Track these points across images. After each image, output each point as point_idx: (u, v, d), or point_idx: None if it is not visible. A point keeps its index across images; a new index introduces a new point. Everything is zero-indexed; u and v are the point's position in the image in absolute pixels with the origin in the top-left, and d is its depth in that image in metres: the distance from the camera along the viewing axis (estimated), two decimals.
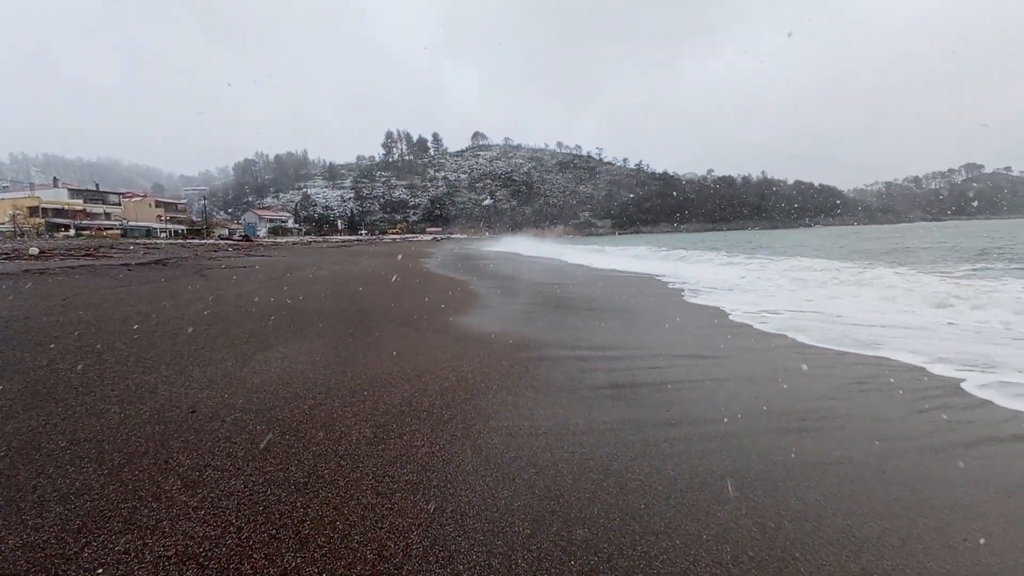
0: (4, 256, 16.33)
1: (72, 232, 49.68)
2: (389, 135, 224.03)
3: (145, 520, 2.07)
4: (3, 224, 44.64)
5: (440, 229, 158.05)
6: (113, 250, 23.02)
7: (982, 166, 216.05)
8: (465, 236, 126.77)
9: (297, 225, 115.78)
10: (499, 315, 7.22)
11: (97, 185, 74.73)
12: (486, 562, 1.85)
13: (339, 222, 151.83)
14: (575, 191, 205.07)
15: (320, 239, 78.55)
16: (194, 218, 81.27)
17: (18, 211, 47.63)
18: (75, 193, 65.92)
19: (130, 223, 63.51)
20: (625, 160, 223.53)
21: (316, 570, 1.78)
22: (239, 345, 4.96)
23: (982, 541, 1.97)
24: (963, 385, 3.88)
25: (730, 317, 7.12)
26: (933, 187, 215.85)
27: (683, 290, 10.53)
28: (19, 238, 36.41)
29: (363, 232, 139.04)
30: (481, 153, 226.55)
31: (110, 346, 4.81)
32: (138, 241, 39.00)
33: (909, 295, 8.45)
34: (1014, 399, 3.54)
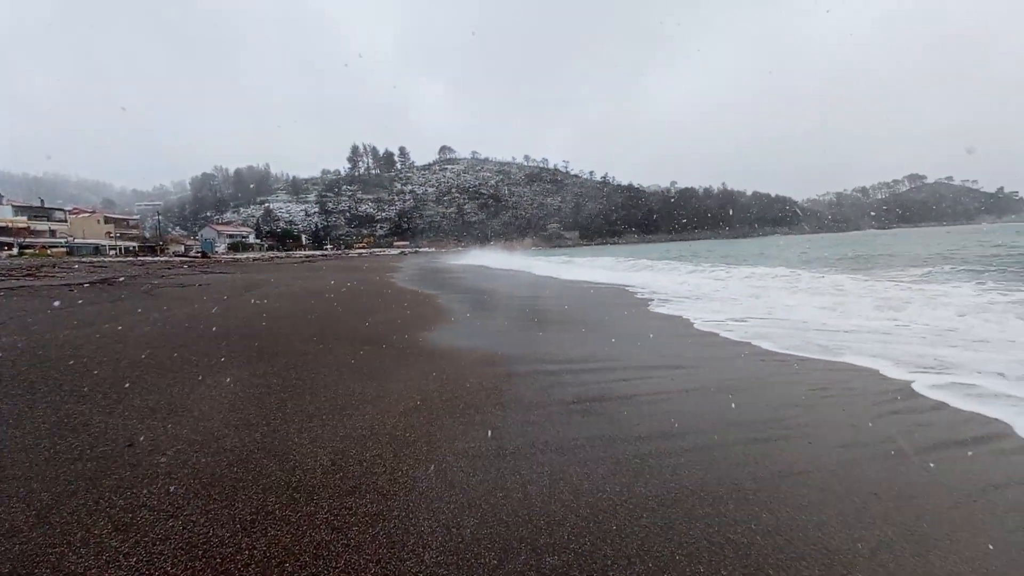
0: None
1: (15, 251, 46.77)
2: (355, 149, 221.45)
3: (72, 567, 1.87)
4: None
5: (408, 243, 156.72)
6: (56, 269, 21.71)
7: (924, 176, 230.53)
8: (433, 249, 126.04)
9: (259, 240, 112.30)
10: (466, 330, 7.09)
11: (42, 201, 70.60)
12: None
13: (303, 237, 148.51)
14: (543, 203, 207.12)
15: (283, 255, 76.49)
16: (147, 234, 78.00)
17: None
18: (20, 210, 62.13)
19: (77, 240, 60.33)
20: (591, 173, 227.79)
21: None
22: (187, 369, 4.66)
23: (950, 547, 1.97)
24: (919, 388, 3.98)
25: (697, 326, 7.20)
26: (880, 197, 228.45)
27: (651, 300, 10.65)
28: None
29: (328, 247, 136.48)
30: (448, 166, 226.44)
31: (44, 374, 4.43)
32: (84, 259, 36.97)
33: (865, 300, 8.76)
34: (967, 400, 3.65)
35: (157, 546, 2.01)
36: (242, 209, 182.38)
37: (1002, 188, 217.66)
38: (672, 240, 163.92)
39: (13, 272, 18.84)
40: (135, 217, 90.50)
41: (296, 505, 2.29)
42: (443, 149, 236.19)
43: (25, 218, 60.71)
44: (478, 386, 4.17)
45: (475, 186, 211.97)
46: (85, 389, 4.03)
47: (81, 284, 14.23)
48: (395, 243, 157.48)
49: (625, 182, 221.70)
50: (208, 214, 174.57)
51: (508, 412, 3.54)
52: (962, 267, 15.54)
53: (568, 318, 8.13)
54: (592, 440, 3.04)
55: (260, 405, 3.65)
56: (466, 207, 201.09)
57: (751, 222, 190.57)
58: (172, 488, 2.46)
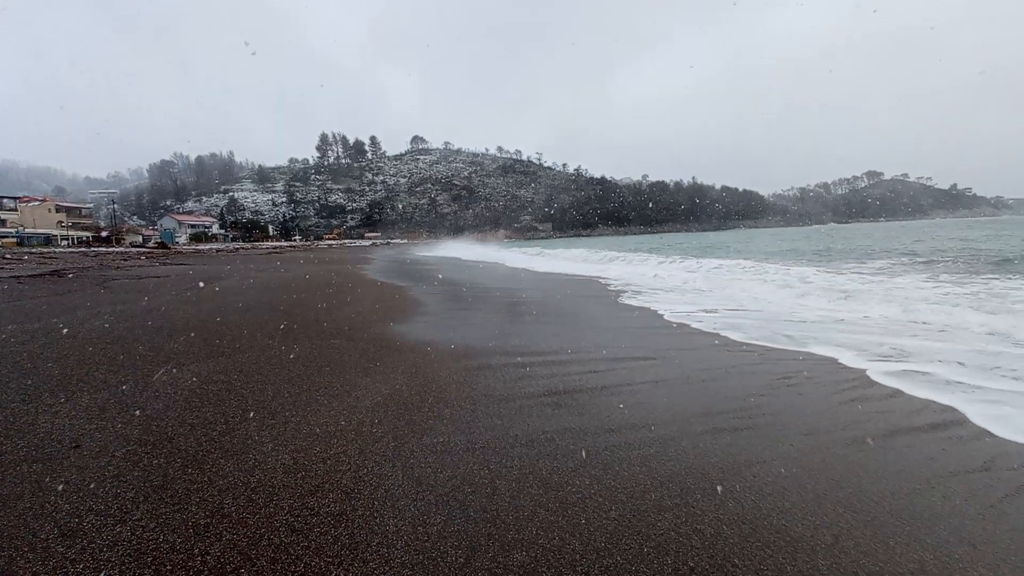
0: None
1: None
2: (324, 137, 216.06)
3: (19, 573, 1.77)
4: None
5: (379, 234, 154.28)
6: (3, 260, 20.47)
7: (882, 173, 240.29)
8: (405, 241, 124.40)
9: (223, 231, 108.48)
10: (437, 323, 6.99)
11: None
12: None
13: (271, 228, 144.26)
14: (516, 195, 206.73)
15: (248, 246, 74.08)
16: (101, 224, 74.34)
17: None
18: None
19: (27, 230, 57.16)
20: (564, 165, 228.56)
21: None
22: (141, 366, 4.43)
23: (910, 534, 2.02)
24: (877, 376, 4.12)
25: (668, 317, 7.29)
26: (840, 192, 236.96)
27: (624, 292, 10.74)
28: None
29: (297, 238, 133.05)
30: (421, 157, 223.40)
31: None
32: (34, 250, 35.01)
33: (828, 292, 9.05)
34: (922, 387, 3.79)
35: (104, 552, 1.90)
36: (205, 198, 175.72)
37: (955, 185, 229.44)
38: (644, 232, 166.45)
39: None
40: (88, 206, 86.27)
41: (254, 507, 2.19)
42: (415, 139, 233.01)
43: None
44: (448, 380, 4.10)
45: (448, 177, 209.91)
46: (31, 388, 3.79)
47: (30, 276, 13.45)
48: (366, 234, 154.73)
49: (598, 175, 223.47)
50: (168, 203, 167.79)
51: (478, 406, 3.49)
52: (919, 260, 16.28)
53: (540, 310, 8.12)
54: (562, 433, 3.02)
55: (219, 403, 3.50)
56: (439, 198, 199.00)
57: (720, 216, 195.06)
58: (120, 492, 2.32)
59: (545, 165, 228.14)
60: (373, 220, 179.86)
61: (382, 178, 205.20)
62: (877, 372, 4.21)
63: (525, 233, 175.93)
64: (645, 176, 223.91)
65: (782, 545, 1.95)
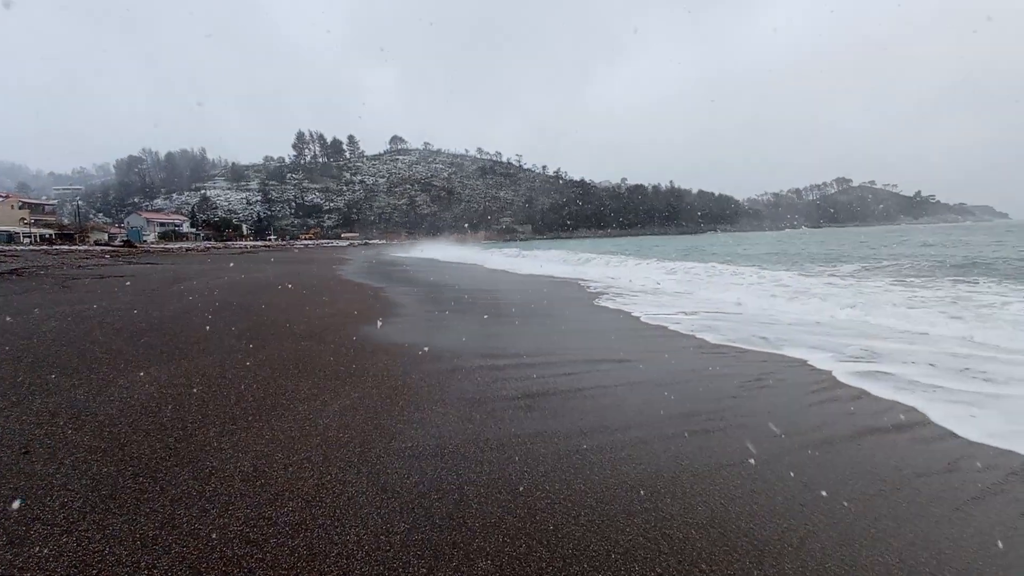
0: None
1: None
2: (300, 135, 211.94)
3: None
4: None
5: (357, 234, 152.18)
6: None
7: (851, 180, 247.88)
8: (384, 241, 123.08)
9: (194, 230, 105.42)
10: (412, 324, 6.89)
11: None
12: None
13: (244, 227, 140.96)
14: (496, 197, 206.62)
15: (220, 245, 72.15)
16: (65, 221, 71.60)
17: None
18: None
19: None
20: (544, 167, 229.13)
21: None
22: (98, 369, 4.23)
23: (876, 536, 2.03)
24: (844, 377, 4.19)
25: (645, 320, 7.33)
26: (811, 198, 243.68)
27: (602, 293, 10.78)
28: None
29: (272, 237, 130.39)
30: (400, 157, 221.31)
31: None
32: None
33: (802, 295, 9.24)
34: (887, 388, 3.87)
35: (50, 563, 1.80)
36: (175, 196, 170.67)
37: (919, 192, 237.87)
38: (623, 235, 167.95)
39: None
40: (52, 202, 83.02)
41: (207, 517, 2.08)
42: (394, 139, 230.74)
43: None
44: (420, 383, 4.02)
45: (427, 178, 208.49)
46: None
47: None
48: (344, 235, 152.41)
49: (577, 177, 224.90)
50: (136, 200, 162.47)
51: (450, 409, 3.42)
52: (888, 264, 16.79)
53: (517, 312, 8.08)
54: (534, 436, 2.98)
55: (177, 408, 3.35)
56: (418, 199, 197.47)
57: (697, 219, 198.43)
58: (68, 500, 2.19)
59: (525, 167, 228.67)
60: (351, 220, 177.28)
61: (360, 178, 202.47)
62: (844, 373, 4.29)
63: (505, 235, 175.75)
64: (624, 179, 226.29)
65: (749, 549, 1.94)
